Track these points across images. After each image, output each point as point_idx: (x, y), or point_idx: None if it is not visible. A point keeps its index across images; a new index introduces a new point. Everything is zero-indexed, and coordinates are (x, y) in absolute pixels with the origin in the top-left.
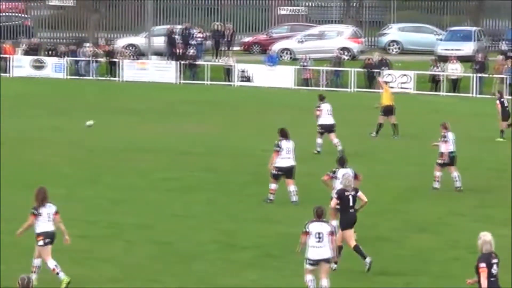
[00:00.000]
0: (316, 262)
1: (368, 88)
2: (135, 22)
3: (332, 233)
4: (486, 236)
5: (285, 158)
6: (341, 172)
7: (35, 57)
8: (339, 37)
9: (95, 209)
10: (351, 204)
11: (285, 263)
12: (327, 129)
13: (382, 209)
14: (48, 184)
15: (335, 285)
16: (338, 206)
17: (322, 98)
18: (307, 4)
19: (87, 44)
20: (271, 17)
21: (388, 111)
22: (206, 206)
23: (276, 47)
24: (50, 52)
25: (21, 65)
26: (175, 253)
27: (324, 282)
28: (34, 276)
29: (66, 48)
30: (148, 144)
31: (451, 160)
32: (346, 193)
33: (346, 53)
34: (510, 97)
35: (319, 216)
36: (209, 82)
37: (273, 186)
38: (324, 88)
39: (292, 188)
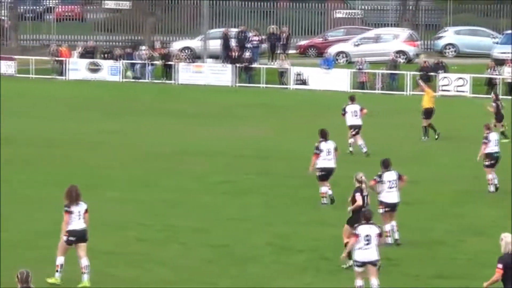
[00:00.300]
0: (363, 264)
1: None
2: (191, 25)
3: (380, 235)
4: (507, 238)
5: (326, 159)
6: (386, 175)
7: (91, 60)
8: (395, 40)
9: (151, 212)
10: (366, 203)
11: (339, 266)
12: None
13: (438, 212)
14: (104, 187)
15: None
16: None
17: (352, 99)
18: (363, 7)
19: (143, 47)
20: (327, 20)
21: (429, 113)
22: (261, 209)
23: (332, 50)
24: (106, 55)
25: (77, 68)
26: (230, 256)
27: (374, 281)
28: (57, 275)
29: (122, 51)
30: (203, 147)
31: (496, 160)
32: (363, 194)
33: (402, 56)
34: None
35: (368, 219)
36: (264, 85)
37: (323, 189)
38: (380, 91)
39: (324, 189)
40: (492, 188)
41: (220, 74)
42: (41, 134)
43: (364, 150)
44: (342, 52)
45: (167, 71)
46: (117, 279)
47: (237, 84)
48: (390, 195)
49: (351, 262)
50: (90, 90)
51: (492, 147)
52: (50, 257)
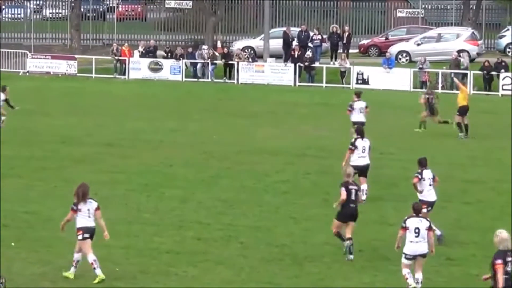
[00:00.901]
0: (413, 257)
1: (486, 91)
2: (252, 25)
3: (430, 228)
4: (503, 234)
5: (361, 156)
6: (425, 173)
7: (153, 60)
8: (456, 39)
9: (211, 211)
10: (352, 198)
11: (399, 266)
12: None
13: (499, 212)
14: (164, 186)
15: None
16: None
17: (358, 95)
18: (425, 6)
19: (204, 47)
20: (388, 20)
21: (464, 111)
22: (322, 208)
23: (393, 49)
24: (167, 55)
25: (138, 67)
26: (289, 256)
27: (419, 275)
28: (72, 270)
29: (183, 50)
30: (264, 147)
31: None
32: (350, 187)
33: (463, 56)
34: None
35: (418, 212)
36: (325, 85)
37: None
38: (441, 91)
39: (363, 187)
40: None
41: (282, 74)
42: (101, 133)
43: None
44: (403, 51)
45: (228, 70)
46: (178, 278)
47: (298, 84)
48: (430, 194)
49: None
50: (151, 90)
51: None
52: (110, 257)
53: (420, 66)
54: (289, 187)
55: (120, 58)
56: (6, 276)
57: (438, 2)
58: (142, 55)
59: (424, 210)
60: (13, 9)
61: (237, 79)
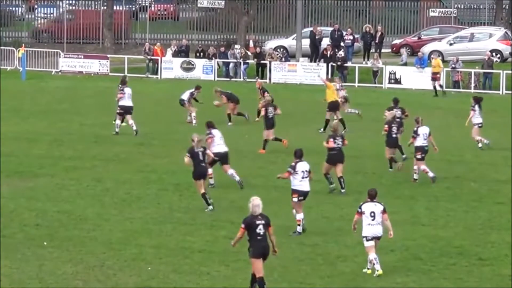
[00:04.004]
0: (372, 238)
1: None
2: (285, 24)
3: (384, 211)
4: (255, 201)
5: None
6: (300, 165)
7: (185, 59)
8: (489, 39)
9: (243, 210)
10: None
11: (432, 266)
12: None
13: None
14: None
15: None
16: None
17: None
18: (457, 5)
19: (237, 46)
20: (421, 19)
21: (333, 106)
22: (353, 208)
23: (426, 49)
24: (199, 54)
25: (170, 67)
26: (322, 255)
27: (373, 255)
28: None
29: (215, 50)
30: (296, 146)
31: (425, 153)
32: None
33: (496, 55)
34: None
35: (372, 197)
36: (358, 84)
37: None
38: (474, 91)
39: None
40: (416, 176)
41: (314, 73)
42: (132, 132)
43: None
44: (436, 51)
45: (261, 70)
46: (210, 277)
47: None
48: (302, 184)
49: None
50: (183, 89)
51: (422, 141)
52: (142, 256)
53: (453, 65)
54: (321, 187)
55: (152, 57)
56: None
57: (471, 1)
58: (175, 54)
59: (300, 199)
60: (45, 9)
61: (270, 79)
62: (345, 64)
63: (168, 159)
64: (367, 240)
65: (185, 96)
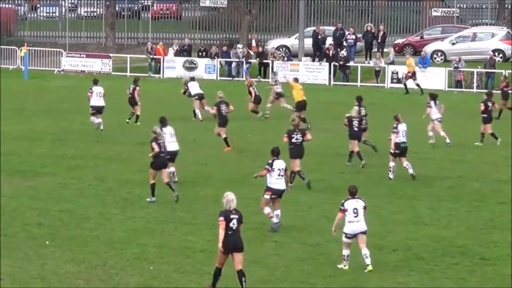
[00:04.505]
0: (353, 235)
1: None
2: (287, 24)
3: (365, 207)
4: (229, 196)
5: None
6: (276, 163)
7: (187, 58)
8: (492, 38)
9: (244, 210)
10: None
11: (435, 266)
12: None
13: None
14: (199, 185)
15: None
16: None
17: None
18: (460, 5)
19: (239, 45)
20: (423, 19)
21: (300, 106)
22: None
23: (428, 48)
24: (202, 53)
25: (172, 66)
26: (324, 255)
27: (366, 250)
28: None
29: (218, 49)
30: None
31: (402, 150)
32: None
33: (499, 55)
34: None
35: (353, 194)
36: (360, 84)
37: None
38: (476, 90)
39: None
40: (392, 176)
41: (316, 73)
42: (135, 131)
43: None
44: (438, 50)
45: (263, 69)
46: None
47: (333, 83)
48: (277, 182)
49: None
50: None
51: (400, 138)
52: (144, 256)
53: (455, 65)
54: (323, 186)
55: (154, 56)
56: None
57: (473, 1)
58: (177, 53)
59: (267, 197)
60: (48, 8)
61: (272, 78)
62: (348, 64)
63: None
64: (346, 237)
65: (196, 90)
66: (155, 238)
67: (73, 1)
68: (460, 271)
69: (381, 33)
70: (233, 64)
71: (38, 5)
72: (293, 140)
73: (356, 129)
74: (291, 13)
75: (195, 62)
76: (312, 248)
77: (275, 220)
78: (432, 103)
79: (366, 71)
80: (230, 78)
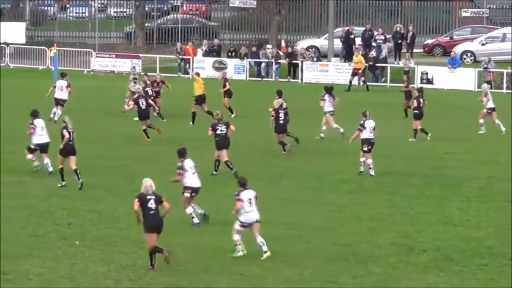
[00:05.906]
0: (248, 224)
1: None
2: (317, 24)
3: (256, 197)
4: (147, 182)
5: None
6: (187, 162)
7: (217, 59)
8: None
9: (275, 210)
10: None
11: (464, 267)
12: None
13: None
14: (227, 185)
15: None
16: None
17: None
18: (490, 6)
19: (269, 46)
20: (453, 19)
21: (200, 100)
22: (385, 208)
23: (458, 49)
24: (231, 54)
25: (202, 66)
26: (354, 255)
27: (260, 238)
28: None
29: (247, 49)
30: (328, 146)
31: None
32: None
33: None
34: None
35: (243, 185)
36: (390, 84)
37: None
38: (506, 91)
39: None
40: (363, 169)
41: (346, 73)
42: (163, 132)
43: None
44: (468, 51)
45: (293, 69)
46: (241, 277)
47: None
48: (193, 180)
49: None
50: (215, 89)
51: (368, 133)
52: (174, 256)
53: (485, 66)
54: (353, 187)
55: (184, 57)
56: None
57: (503, 1)
58: (206, 54)
59: (187, 195)
60: (78, 8)
61: (301, 79)
62: (377, 64)
63: (198, 158)
64: (242, 226)
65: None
66: (184, 238)
67: (102, 2)
68: (490, 272)
69: (410, 33)
70: (263, 65)
71: (68, 6)
72: (218, 132)
73: (281, 121)
74: (320, 14)
75: (224, 63)
76: (342, 248)
77: (196, 220)
78: (326, 96)
79: (396, 72)
80: (260, 79)
